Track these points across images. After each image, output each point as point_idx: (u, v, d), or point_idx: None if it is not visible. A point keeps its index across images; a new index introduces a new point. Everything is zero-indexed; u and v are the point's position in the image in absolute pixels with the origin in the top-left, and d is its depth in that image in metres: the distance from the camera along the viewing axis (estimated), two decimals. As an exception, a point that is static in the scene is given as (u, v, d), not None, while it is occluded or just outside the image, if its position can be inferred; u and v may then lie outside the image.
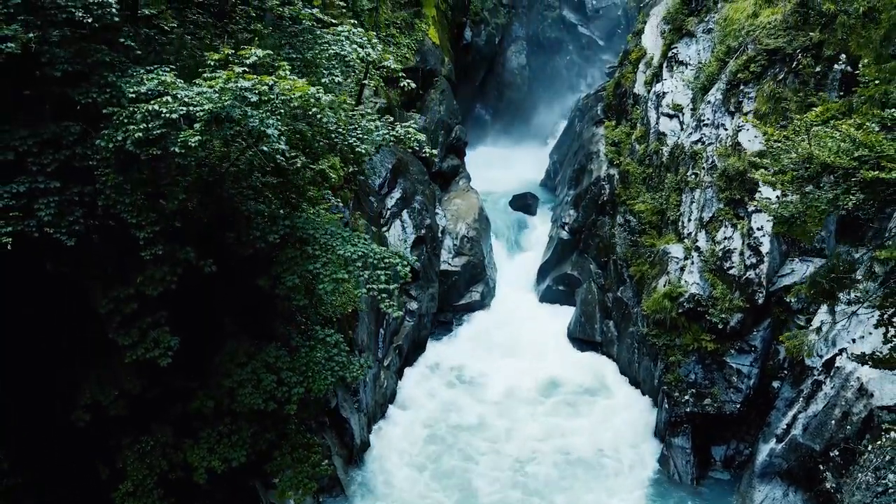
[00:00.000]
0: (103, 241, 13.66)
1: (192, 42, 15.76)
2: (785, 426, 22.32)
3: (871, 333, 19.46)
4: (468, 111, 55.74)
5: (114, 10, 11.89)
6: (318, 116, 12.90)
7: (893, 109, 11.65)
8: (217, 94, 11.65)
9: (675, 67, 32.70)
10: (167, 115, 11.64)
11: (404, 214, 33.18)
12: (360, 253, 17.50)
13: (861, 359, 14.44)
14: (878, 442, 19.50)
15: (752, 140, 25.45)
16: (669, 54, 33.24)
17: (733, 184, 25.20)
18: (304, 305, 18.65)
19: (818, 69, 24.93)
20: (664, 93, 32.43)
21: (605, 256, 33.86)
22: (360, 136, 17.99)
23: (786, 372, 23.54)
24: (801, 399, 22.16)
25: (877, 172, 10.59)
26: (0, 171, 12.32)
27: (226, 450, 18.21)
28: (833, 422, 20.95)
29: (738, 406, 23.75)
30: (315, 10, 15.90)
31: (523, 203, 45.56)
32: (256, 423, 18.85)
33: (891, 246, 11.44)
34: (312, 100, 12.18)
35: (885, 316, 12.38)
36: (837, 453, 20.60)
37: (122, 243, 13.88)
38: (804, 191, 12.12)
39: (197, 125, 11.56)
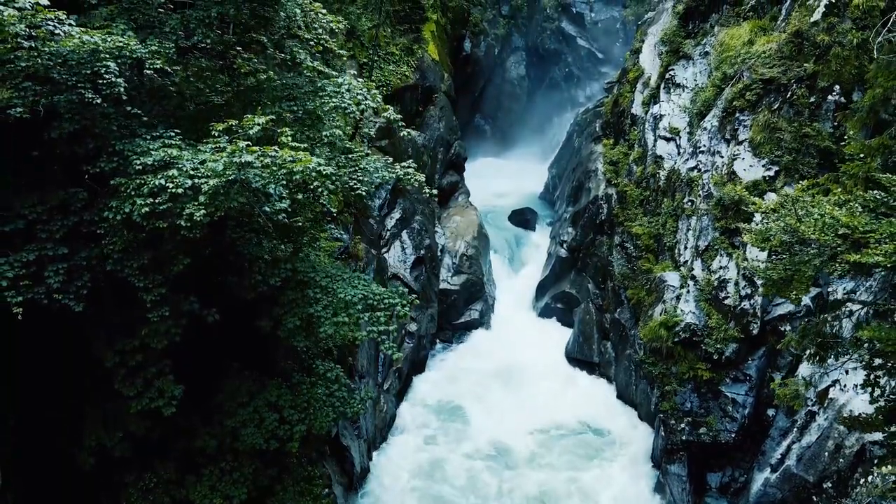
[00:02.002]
0: (108, 296, 13.94)
1: (195, 84, 15.96)
2: (779, 456, 22.64)
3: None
4: (468, 122, 56.04)
5: (121, 88, 12.17)
6: (320, 190, 13.18)
7: (876, 192, 11.96)
8: (222, 167, 11.93)
9: (672, 90, 32.94)
10: (173, 189, 11.93)
11: (404, 235, 33.43)
12: (360, 295, 17.80)
13: (848, 422, 14.73)
14: (870, 476, 19.82)
15: (747, 169, 25.72)
16: (667, 76, 33.49)
17: (729, 213, 25.47)
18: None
19: (812, 100, 25.16)
20: (661, 115, 32.69)
21: (602, 276, 34.17)
22: (360, 178, 18.33)
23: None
24: (795, 429, 22.48)
25: (857, 256, 10.89)
26: (10, 238, 12.60)
27: (227, 487, 18.59)
28: (826, 453, 21.26)
29: (734, 435, 24.04)
30: (316, 63, 16.17)
31: (522, 218, 45.90)
32: (258, 459, 19.20)
33: (873, 327, 11.74)
34: (314, 173, 12.47)
35: (872, 376, 12.69)
36: (831, 485, 20.91)
37: (126, 296, 14.17)
38: (792, 252, 12.42)
39: (202, 198, 11.85)
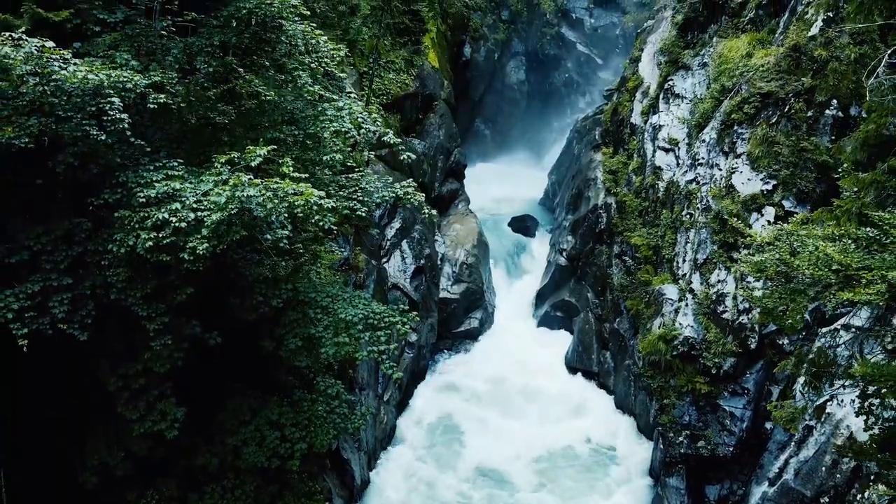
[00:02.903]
0: (112, 323, 14.09)
1: (197, 105, 16.07)
2: (777, 470, 22.76)
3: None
4: (468, 126, 56.18)
5: (125, 124, 12.31)
6: (321, 224, 13.33)
7: (869, 229, 12.12)
8: (224, 201, 12.07)
9: (671, 100, 33.08)
10: (177, 223, 12.08)
11: (404, 244, 33.56)
12: (360, 315, 17.95)
13: (842, 450, 14.87)
14: (867, 492, 19.97)
15: (745, 183, 25.86)
16: (666, 86, 33.62)
17: (727, 226, 25.60)
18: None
19: (810, 114, 25.30)
20: (660, 125, 32.82)
21: (601, 286, 34.32)
22: (360, 198, 18.50)
23: (778, 414, 23.98)
24: (792, 443, 22.58)
25: (851, 295, 11.04)
26: (16, 270, 12.75)
27: (229, 504, 18.76)
28: (823, 468, 21.37)
29: (731, 449, 24.19)
30: (317, 87, 16.30)
31: (522, 225, 46.04)
32: (260, 477, 19.36)
33: (866, 363, 11.89)
34: (315, 207, 12.61)
35: (866, 404, 12.85)
36: (828, 500, 21.01)
37: (129, 322, 14.32)
38: (787, 280, 12.57)
39: (205, 231, 12.00)
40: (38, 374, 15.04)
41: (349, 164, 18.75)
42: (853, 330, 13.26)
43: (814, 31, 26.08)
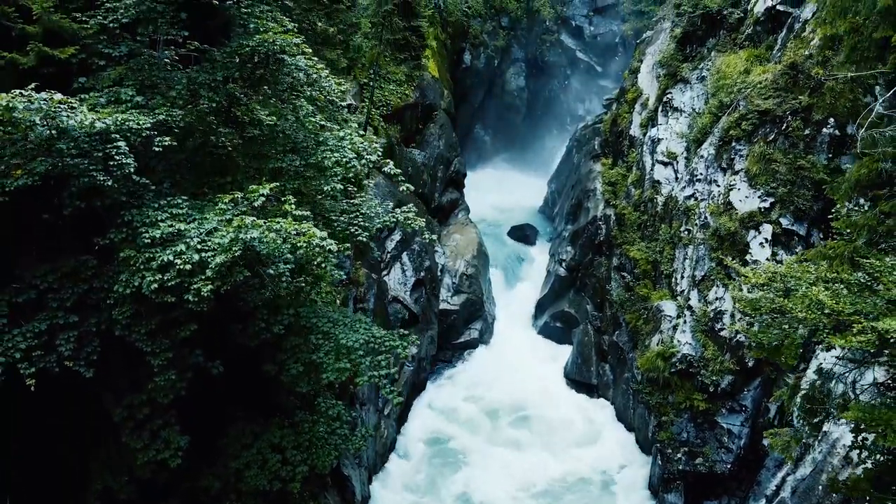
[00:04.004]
0: (116, 357, 14.29)
1: (200, 129, 16.25)
2: (774, 487, 22.94)
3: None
4: (468, 132, 56.41)
5: (131, 168, 12.52)
6: (324, 266, 13.54)
7: (861, 274, 12.32)
8: (228, 242, 12.27)
9: (669, 113, 33.28)
10: (181, 266, 12.28)
11: (404, 257, 33.73)
12: (361, 340, 18.13)
13: (835, 485, 15.06)
14: (863, 512, 20.17)
15: (743, 200, 26.05)
16: (664, 99, 33.82)
17: (725, 244, 25.80)
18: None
19: (807, 132, 25.48)
20: (659, 139, 33.02)
21: (601, 298, 34.52)
22: (361, 223, 18.70)
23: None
24: (790, 461, 22.80)
25: (842, 341, 11.25)
26: (22, 308, 12.95)
27: (231, 526, 18.95)
28: (820, 487, 21.51)
29: (729, 466, 24.42)
30: (318, 117, 16.50)
31: (522, 234, 46.26)
32: (261, 499, 19.53)
33: (859, 406, 12.09)
34: (318, 249, 12.81)
35: (860, 438, 13.04)
36: (824, 519, 21.24)
37: (132, 356, 14.50)
38: (782, 313, 12.78)
39: (209, 272, 12.20)
40: (41, 408, 15.20)
41: (349, 188, 18.91)
42: (846, 364, 13.46)
43: (811, 49, 26.27)
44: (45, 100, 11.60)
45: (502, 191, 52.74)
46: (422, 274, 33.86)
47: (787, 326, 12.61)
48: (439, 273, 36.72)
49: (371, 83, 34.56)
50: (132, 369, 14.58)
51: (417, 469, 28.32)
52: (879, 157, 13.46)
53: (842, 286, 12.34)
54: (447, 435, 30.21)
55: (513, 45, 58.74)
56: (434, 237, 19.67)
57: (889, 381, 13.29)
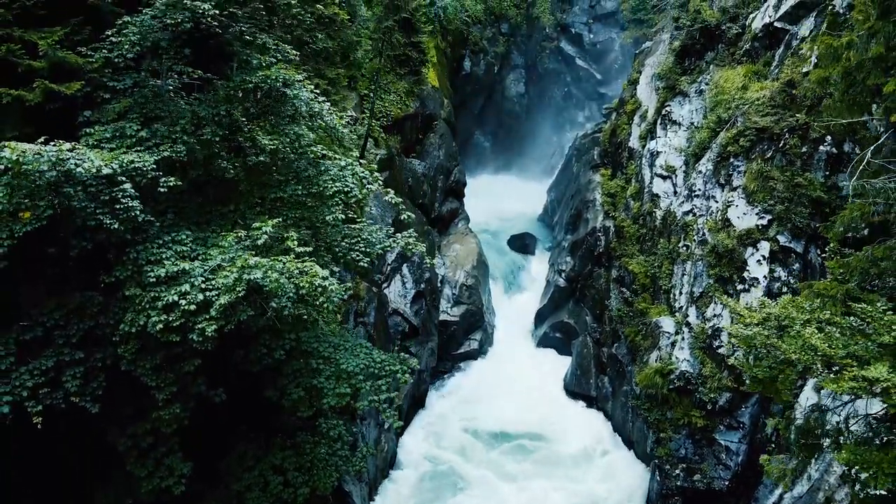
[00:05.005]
0: (121, 390, 14.49)
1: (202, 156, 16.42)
2: (771, 504, 23.21)
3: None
4: (468, 138, 56.64)
5: (137, 211, 12.72)
6: (326, 305, 13.74)
7: (853, 318, 12.52)
8: (232, 282, 12.48)
9: (668, 126, 33.46)
10: (186, 306, 12.49)
11: (404, 269, 33.87)
12: (362, 365, 18.35)
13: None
14: (858, 531, 20.37)
15: (741, 217, 26.24)
16: (663, 111, 34.00)
17: (723, 260, 25.99)
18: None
19: (805, 149, 25.67)
20: (658, 152, 33.21)
21: (600, 309, 34.71)
22: (363, 249, 18.90)
23: (773, 446, 24.37)
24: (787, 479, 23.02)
25: (835, 386, 11.44)
26: (29, 345, 13.15)
27: (233, 547, 19.14)
28: (817, 505, 21.80)
29: (727, 483, 24.63)
30: (320, 147, 16.71)
31: (521, 243, 46.46)
32: (264, 520, 19.73)
33: (852, 448, 12.29)
34: (320, 289, 13.01)
35: (853, 471, 13.24)
36: (821, 537, 21.44)
37: (137, 388, 14.70)
38: (776, 350, 12.99)
39: (213, 311, 12.40)
40: (46, 439, 15.39)
41: (350, 214, 19.11)
42: (840, 397, 13.67)
43: (808, 66, 26.44)
44: (53, 153, 11.79)
45: (502, 197, 52.91)
46: (422, 286, 34.01)
47: (780, 363, 12.80)
48: (439, 284, 36.87)
49: (371, 94, 34.72)
50: (136, 398, 14.78)
51: (416, 487, 28.46)
52: (871, 204, 13.67)
53: (835, 329, 12.54)
54: (444, 460, 29.83)
55: (512, 52, 58.98)
56: (434, 261, 19.89)
57: (881, 413, 13.50)
